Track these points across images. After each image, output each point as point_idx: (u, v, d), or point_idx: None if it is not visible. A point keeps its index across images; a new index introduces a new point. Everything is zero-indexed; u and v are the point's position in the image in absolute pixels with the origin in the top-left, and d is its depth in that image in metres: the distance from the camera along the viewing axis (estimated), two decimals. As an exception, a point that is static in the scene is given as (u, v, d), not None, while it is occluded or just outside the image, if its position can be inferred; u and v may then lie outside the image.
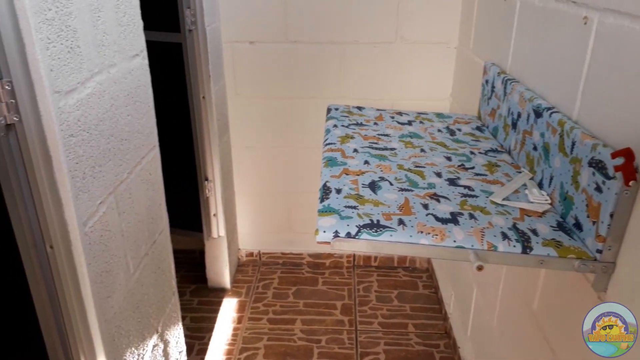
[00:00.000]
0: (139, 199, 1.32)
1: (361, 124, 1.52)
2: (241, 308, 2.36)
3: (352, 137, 1.40)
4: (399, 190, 1.09)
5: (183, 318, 2.31)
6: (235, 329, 2.23)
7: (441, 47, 2.22)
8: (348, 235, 0.92)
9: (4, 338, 1.10)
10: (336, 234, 0.92)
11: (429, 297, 2.40)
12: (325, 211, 0.98)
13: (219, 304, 2.41)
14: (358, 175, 1.15)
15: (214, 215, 2.36)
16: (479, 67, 1.78)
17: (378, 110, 1.68)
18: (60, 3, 0.92)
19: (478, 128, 1.57)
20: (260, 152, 2.50)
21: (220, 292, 2.49)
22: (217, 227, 2.39)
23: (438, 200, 1.06)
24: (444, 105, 2.31)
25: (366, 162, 1.23)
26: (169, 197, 1.53)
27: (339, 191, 1.06)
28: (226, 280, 2.50)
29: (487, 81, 1.62)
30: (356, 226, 0.93)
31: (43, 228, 0.97)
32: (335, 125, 1.49)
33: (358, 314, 2.30)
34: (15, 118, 0.88)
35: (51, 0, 0.89)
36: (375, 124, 1.53)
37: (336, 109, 1.67)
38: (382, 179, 1.14)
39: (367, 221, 0.95)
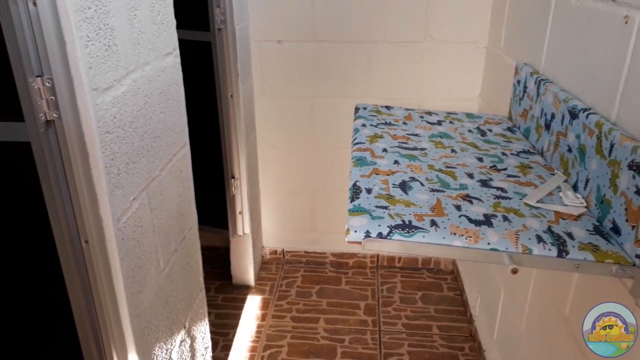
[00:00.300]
0: (170, 195, 1.33)
1: (390, 124, 1.51)
2: (265, 305, 2.37)
3: (381, 137, 1.39)
4: (430, 191, 1.08)
5: (208, 314, 2.34)
6: (259, 326, 2.24)
7: (470, 47, 2.19)
8: (379, 235, 0.91)
9: (39, 330, 1.13)
10: (367, 234, 0.91)
11: (454, 299, 2.38)
12: (356, 211, 0.98)
13: (243, 300, 2.42)
14: (388, 175, 1.14)
15: (240, 212, 2.37)
16: (510, 67, 1.75)
17: (407, 109, 1.67)
18: (99, 2, 0.94)
19: (509, 129, 1.55)
20: (285, 151, 2.51)
21: (244, 289, 2.50)
22: (243, 225, 2.40)
23: (471, 202, 1.04)
24: (472, 105, 2.28)
25: (396, 162, 1.22)
26: (196, 194, 1.54)
27: (369, 191, 1.06)
28: (250, 278, 2.52)
29: (518, 81, 1.60)
30: (388, 226, 0.93)
31: (79, 223, 0.99)
32: (363, 125, 1.49)
33: (382, 314, 2.29)
34: (55, 115, 0.90)
35: (91, -1, 0.91)
36: (404, 123, 1.52)
37: (364, 108, 1.66)
38: (412, 179, 1.13)
39: (399, 222, 0.94)
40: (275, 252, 2.73)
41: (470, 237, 0.92)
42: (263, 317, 2.29)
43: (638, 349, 0.76)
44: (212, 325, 2.25)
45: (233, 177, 2.30)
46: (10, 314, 1.10)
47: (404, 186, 1.09)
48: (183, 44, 1.51)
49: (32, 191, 0.94)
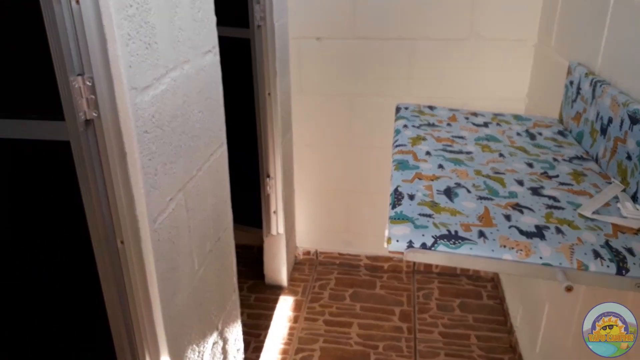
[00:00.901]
0: (206, 196, 1.32)
1: (433, 125, 1.45)
2: (297, 307, 2.35)
3: (423, 139, 1.33)
4: (477, 199, 1.02)
5: (240, 314, 2.33)
6: (291, 329, 2.21)
7: (518, 45, 2.10)
8: (423, 246, 0.86)
9: (73, 330, 1.13)
10: (410, 244, 0.87)
11: (494, 309, 2.29)
12: (398, 218, 0.93)
13: (276, 301, 2.40)
14: (432, 180, 1.09)
15: (274, 212, 2.35)
16: (562, 66, 1.66)
17: (451, 110, 1.60)
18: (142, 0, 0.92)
19: (560, 132, 1.46)
20: (321, 150, 2.47)
21: (277, 290, 2.49)
22: (277, 225, 2.38)
23: (521, 211, 0.98)
24: (519, 106, 2.18)
25: (440, 167, 1.16)
26: (231, 192, 1.52)
27: (411, 197, 1.01)
28: (283, 278, 2.50)
29: (571, 82, 1.51)
30: (432, 237, 0.87)
31: (115, 223, 0.98)
32: (405, 126, 1.44)
33: (417, 321, 2.23)
34: (94, 114, 0.89)
35: (132, -4, 0.89)
36: (448, 125, 1.46)
37: (406, 108, 1.61)
38: (458, 185, 1.07)
39: (444, 231, 0.89)
40: (308, 252, 2.70)
41: (521, 250, 0.86)
42: (295, 319, 2.27)
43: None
44: (244, 325, 2.23)
45: (268, 176, 2.28)
46: (45, 313, 1.11)
47: (449, 193, 1.03)
48: (221, 41, 1.49)
49: (70, 190, 0.93)
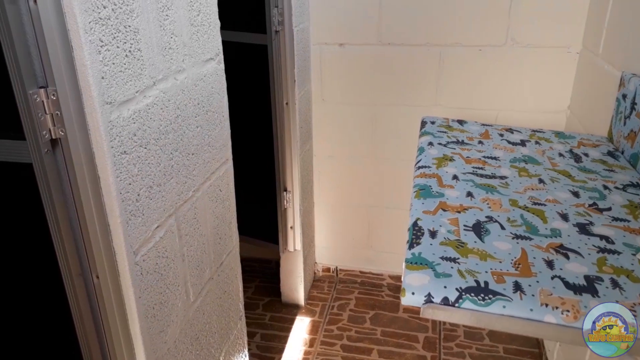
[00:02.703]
0: (206, 218, 1.19)
1: (463, 142, 1.28)
2: (314, 329, 2.20)
3: (451, 159, 1.17)
4: (513, 238, 0.85)
5: (253, 334, 2.20)
6: (306, 353, 2.07)
7: (560, 52, 1.90)
8: (445, 301, 0.70)
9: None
10: (429, 299, 0.71)
11: (527, 339, 2.09)
12: (416, 262, 0.77)
13: (292, 321, 2.26)
14: (459, 212, 0.93)
15: (291, 227, 2.21)
16: (612, 77, 1.46)
17: (483, 125, 1.43)
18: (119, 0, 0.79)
19: (610, 153, 1.27)
20: (343, 162, 2.32)
21: (293, 309, 2.34)
22: (294, 241, 2.24)
23: (566, 256, 0.81)
24: (559, 119, 1.99)
25: (469, 195, 1.00)
26: (247, 206, 1.39)
27: (433, 234, 0.85)
28: (300, 297, 2.36)
29: (624, 95, 1.32)
30: (457, 289, 0.72)
31: (89, 256, 0.85)
32: (430, 143, 1.27)
33: (443, 350, 2.05)
34: (61, 132, 0.77)
35: (106, -4, 0.76)
36: (480, 142, 1.29)
37: (432, 122, 1.44)
38: (490, 219, 0.91)
39: (472, 282, 0.73)
40: (328, 269, 2.55)
41: (567, 311, 0.69)
42: (311, 343, 2.12)
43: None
44: (257, 347, 2.11)
45: (285, 190, 2.14)
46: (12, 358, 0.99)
47: (478, 229, 0.87)
48: (236, 47, 1.36)
49: (35, 219, 0.82)
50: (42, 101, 0.74)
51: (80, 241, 0.84)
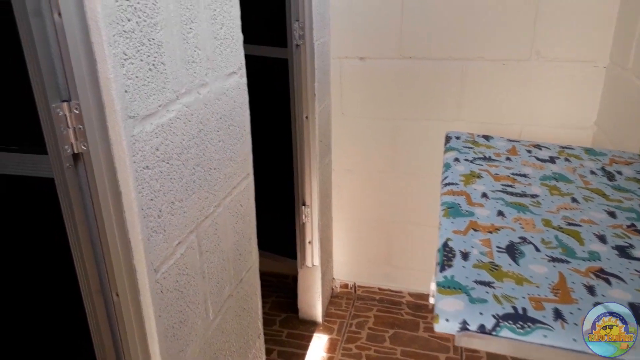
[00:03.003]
0: (226, 234, 1.16)
1: (490, 159, 1.24)
2: (332, 347, 2.15)
3: (479, 176, 1.13)
4: (549, 260, 0.81)
5: (270, 351, 2.16)
6: (324, 372, 2.02)
7: (586, 66, 1.86)
8: (481, 329, 0.66)
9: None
10: (464, 326, 0.67)
11: (553, 362, 2.02)
12: (449, 286, 0.73)
13: (309, 339, 2.22)
14: (490, 232, 0.89)
15: (309, 242, 2.18)
16: (644, 92, 1.42)
17: (510, 141, 1.39)
18: (143, 12, 0.78)
19: (645, 171, 1.22)
20: (362, 177, 2.29)
21: (311, 326, 2.30)
22: (312, 256, 2.21)
23: (607, 281, 0.77)
24: (585, 135, 1.93)
25: (500, 214, 0.96)
26: (264, 219, 1.36)
27: (465, 256, 0.81)
28: (318, 313, 2.31)
29: (658, 111, 1.27)
30: (493, 316, 0.68)
31: (109, 273, 0.83)
32: (456, 159, 1.24)
33: (465, 372, 1.99)
34: (83, 147, 0.75)
35: (132, 9, 0.75)
36: (507, 159, 1.25)
37: (457, 138, 1.41)
38: (523, 240, 0.87)
39: (509, 309, 0.69)
40: (346, 285, 2.51)
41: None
42: (329, 361, 2.07)
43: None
44: (274, 365, 2.07)
45: (304, 204, 2.11)
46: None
47: (512, 251, 0.83)
48: (255, 61, 1.35)
49: (56, 234, 0.80)
50: (65, 115, 0.72)
51: (101, 258, 0.82)
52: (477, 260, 0.80)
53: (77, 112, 0.73)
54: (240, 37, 1.16)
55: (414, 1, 1.95)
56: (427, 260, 2.33)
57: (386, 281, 2.44)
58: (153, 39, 0.81)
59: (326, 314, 2.36)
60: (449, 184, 1.10)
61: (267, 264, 2.35)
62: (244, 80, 1.20)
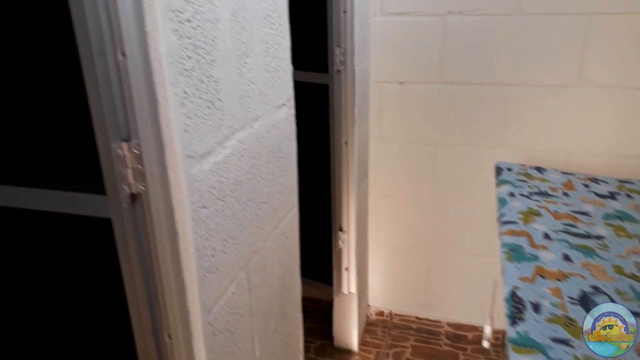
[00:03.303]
0: (273, 268, 1.13)
1: (546, 194, 1.19)
2: (368, 378, 2.09)
3: (538, 214, 1.08)
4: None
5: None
6: (360, 405, 1.96)
7: (638, 93, 1.79)
8: (566, 394, 0.61)
9: None
10: (547, 390, 0.62)
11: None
12: (523, 344, 0.69)
13: (344, 369, 2.16)
14: (559, 279, 0.84)
15: (346, 269, 2.14)
16: None
17: (564, 173, 1.34)
18: (203, 50, 0.77)
19: None
20: (399, 202, 2.24)
21: (346, 355, 2.25)
22: (348, 283, 2.16)
23: (697, 339, 0.70)
24: (636, 164, 1.85)
25: (566, 258, 0.90)
26: (300, 244, 1.33)
27: (536, 308, 0.76)
28: (353, 342, 2.26)
29: None
30: (577, 379, 0.63)
31: (162, 314, 0.81)
32: (511, 194, 1.19)
33: (509, 410, 1.90)
34: (141, 187, 0.73)
35: (192, 46, 0.74)
36: (564, 194, 1.20)
37: (509, 170, 1.36)
38: (596, 290, 0.81)
39: (593, 371, 0.64)
40: (382, 313, 2.45)
41: None
42: (366, 394, 2.01)
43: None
44: (309, 395, 2.02)
45: (341, 230, 2.08)
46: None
47: (586, 302, 0.78)
48: (295, 87, 1.34)
49: (111, 274, 0.78)
50: (125, 155, 0.71)
51: (154, 299, 0.80)
52: (550, 313, 0.74)
53: (136, 152, 0.71)
54: (290, 68, 1.15)
55: (455, 26, 1.92)
56: (468, 289, 2.26)
57: (424, 310, 2.37)
58: (211, 76, 0.80)
59: (362, 342, 2.30)
60: (508, 222, 1.05)
61: (302, 289, 2.31)
62: (292, 111, 1.19)
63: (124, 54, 0.67)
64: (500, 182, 1.25)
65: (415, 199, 2.22)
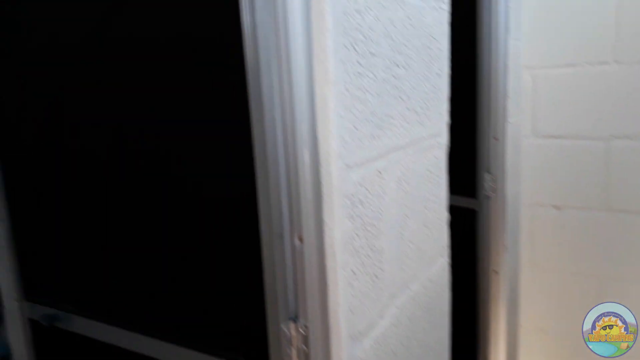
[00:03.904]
0: None
1: None
2: None
3: None
4: None
5: None
6: None
7: None
8: None
9: None
10: None
11: None
12: None
13: None
14: None
15: (494, 414, 1.91)
16: None
17: None
18: (371, 226, 0.77)
19: None
20: (558, 339, 1.99)
21: None
22: None
23: None
24: None
25: None
26: None
27: None
28: None
29: None
30: None
31: None
32: None
33: None
34: (303, 368, 0.72)
35: (362, 225, 0.74)
36: None
37: None
38: None
39: None
40: None
41: None
42: None
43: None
44: None
45: (488, 367, 1.88)
46: None
47: None
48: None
49: None
50: (292, 335, 0.71)
51: None
52: None
53: (303, 332, 0.71)
54: (446, 216, 1.11)
55: (621, 146, 1.76)
56: None
57: None
58: (375, 248, 0.79)
59: None
60: None
61: None
62: (447, 260, 1.13)
63: (301, 239, 0.69)
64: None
65: (577, 336, 1.95)
